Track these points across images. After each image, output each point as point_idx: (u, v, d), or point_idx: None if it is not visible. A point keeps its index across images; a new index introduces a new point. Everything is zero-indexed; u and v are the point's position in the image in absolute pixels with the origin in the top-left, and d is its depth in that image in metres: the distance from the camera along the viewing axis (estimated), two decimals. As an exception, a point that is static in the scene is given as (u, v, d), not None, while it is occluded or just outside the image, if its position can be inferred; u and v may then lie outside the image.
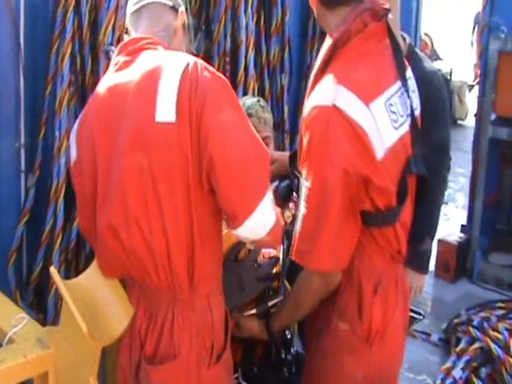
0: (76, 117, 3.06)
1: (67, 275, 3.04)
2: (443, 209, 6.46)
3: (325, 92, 1.94)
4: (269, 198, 1.92)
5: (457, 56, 12.42)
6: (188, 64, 1.88)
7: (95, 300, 1.99)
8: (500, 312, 4.24)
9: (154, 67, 1.89)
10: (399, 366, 2.30)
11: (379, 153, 1.91)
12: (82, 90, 3.11)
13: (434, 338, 4.20)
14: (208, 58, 3.64)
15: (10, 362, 1.83)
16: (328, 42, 2.05)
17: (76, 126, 2.11)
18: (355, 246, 2.00)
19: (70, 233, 3.06)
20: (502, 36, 4.82)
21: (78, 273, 3.07)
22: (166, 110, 1.83)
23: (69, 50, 3.03)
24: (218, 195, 1.87)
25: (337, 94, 1.91)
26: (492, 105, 4.96)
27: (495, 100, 4.95)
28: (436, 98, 2.88)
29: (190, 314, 1.96)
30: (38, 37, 3.07)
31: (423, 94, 2.76)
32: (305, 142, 1.95)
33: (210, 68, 1.93)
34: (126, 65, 1.98)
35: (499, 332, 3.81)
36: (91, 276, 2.08)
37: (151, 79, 1.87)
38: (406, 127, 2.06)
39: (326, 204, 1.90)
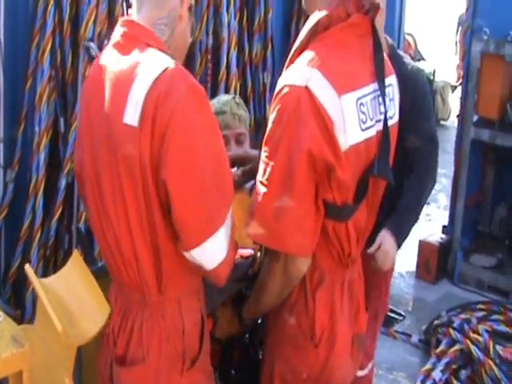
0: (56, 112, 3.06)
1: (45, 272, 3.02)
2: (425, 209, 6.51)
3: (299, 72, 1.89)
4: (223, 233, 1.86)
5: (440, 57, 12.46)
6: (165, 70, 1.79)
7: (71, 299, 1.96)
8: (480, 313, 4.24)
9: (135, 66, 1.82)
10: (349, 378, 2.24)
11: (342, 146, 1.88)
12: (62, 85, 3.08)
13: (414, 339, 4.19)
14: (189, 56, 3.61)
15: (-15, 360, 1.80)
16: (308, 24, 2.00)
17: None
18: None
19: (49, 229, 3.03)
20: (485, 38, 4.82)
21: (56, 269, 3.06)
22: (132, 113, 1.77)
23: (49, 45, 3.01)
24: (171, 212, 1.81)
25: (311, 76, 1.86)
26: (474, 106, 4.97)
27: (477, 101, 4.96)
28: (423, 93, 2.93)
29: (160, 319, 1.91)
30: (18, 31, 3.04)
31: (410, 90, 2.75)
32: (271, 118, 1.90)
33: (190, 79, 1.84)
34: (119, 47, 1.88)
35: (479, 334, 3.81)
36: (67, 274, 2.05)
37: (129, 78, 1.81)
38: (372, 132, 2.01)
39: (291, 183, 1.85)
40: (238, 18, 3.71)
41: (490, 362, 3.65)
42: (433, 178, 2.96)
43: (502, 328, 4.14)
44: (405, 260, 5.05)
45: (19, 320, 2.83)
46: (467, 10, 5.39)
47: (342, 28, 1.98)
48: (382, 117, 2.02)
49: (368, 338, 2.46)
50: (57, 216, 3.03)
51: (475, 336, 3.81)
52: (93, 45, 2.84)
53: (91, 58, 2.71)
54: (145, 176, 1.78)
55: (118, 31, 1.91)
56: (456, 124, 5.81)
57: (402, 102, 2.21)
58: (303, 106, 1.83)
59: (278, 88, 1.92)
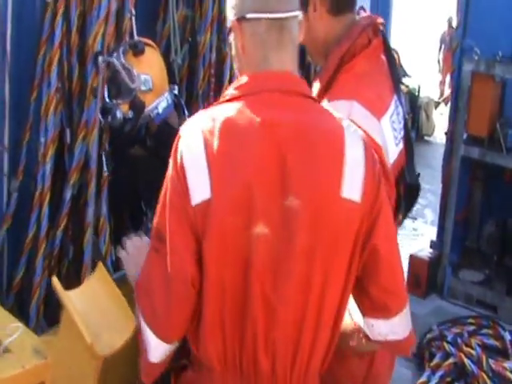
0: (62, 123, 3.07)
1: (49, 282, 3.02)
2: (412, 224, 6.59)
3: (338, 107, 1.91)
4: (408, 306, 1.86)
5: (423, 73, 12.62)
6: (365, 138, 1.75)
7: (96, 310, 1.98)
8: (471, 328, 4.31)
9: (333, 130, 1.72)
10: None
11: (388, 165, 1.95)
12: (69, 97, 3.09)
13: (407, 352, 4.25)
14: (192, 70, 3.65)
15: (8, 372, 1.80)
16: (334, 57, 2.07)
17: (204, 155, 1.67)
18: None
19: (54, 239, 3.04)
20: (475, 58, 4.91)
21: (60, 280, 3.07)
22: (352, 187, 1.68)
23: (57, 56, 3.01)
24: (375, 283, 1.76)
25: (351, 108, 1.93)
26: (464, 124, 5.06)
27: (467, 120, 5.05)
28: None
29: None
30: (24, 41, 3.04)
31: None
32: None
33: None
34: (277, 104, 1.72)
35: (472, 348, 3.88)
36: (92, 286, 2.07)
37: (333, 144, 1.70)
38: (401, 144, 2.12)
39: None
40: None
41: (484, 375, 3.73)
42: None
43: (492, 342, 4.23)
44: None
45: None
46: (457, 29, 5.49)
47: (365, 55, 2.07)
48: (402, 124, 2.11)
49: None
50: (62, 227, 3.04)
51: (468, 350, 3.89)
52: (114, 59, 2.88)
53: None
54: (352, 252, 1.74)
55: (271, 85, 1.74)
56: (439, 140, 5.91)
57: None
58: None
59: None
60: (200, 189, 1.64)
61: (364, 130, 1.87)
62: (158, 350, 1.74)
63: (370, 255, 1.74)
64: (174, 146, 1.72)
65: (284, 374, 1.75)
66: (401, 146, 2.13)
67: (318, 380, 1.84)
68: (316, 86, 2.12)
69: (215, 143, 1.64)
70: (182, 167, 1.66)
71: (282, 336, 1.72)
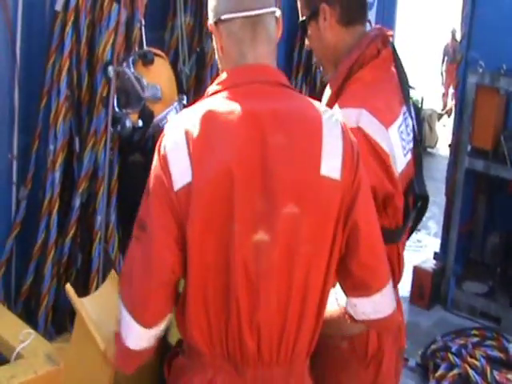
0: (71, 131, 3.09)
1: (57, 289, 3.03)
2: (416, 235, 6.59)
3: (347, 115, 1.95)
4: (391, 284, 1.89)
5: (426, 85, 12.65)
6: (339, 118, 1.82)
7: (109, 318, 1.98)
8: (475, 339, 4.32)
9: (311, 115, 1.78)
10: None
11: (396, 174, 1.97)
12: (78, 105, 3.11)
13: (412, 363, 4.25)
14: (200, 80, 3.67)
15: (21, 377, 1.82)
16: (343, 66, 2.12)
17: (184, 144, 1.72)
18: None
19: (63, 247, 3.05)
20: (480, 71, 4.93)
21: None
22: (331, 166, 1.73)
23: (67, 65, 3.03)
24: (355, 260, 1.80)
25: (360, 116, 1.96)
26: (468, 136, 5.07)
27: (472, 132, 5.06)
28: None
29: None
30: (34, 49, 3.06)
31: None
32: None
33: None
34: (258, 94, 1.78)
35: (477, 359, 3.89)
36: (105, 294, 2.08)
37: (311, 128, 1.76)
38: (409, 155, 2.14)
39: None
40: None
41: (488, 387, 3.73)
42: None
43: (496, 354, 4.23)
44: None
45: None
46: (461, 41, 5.51)
47: (375, 65, 2.10)
48: (411, 136, 2.14)
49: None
50: (71, 234, 3.05)
51: (473, 361, 3.89)
52: (126, 69, 2.90)
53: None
54: (335, 229, 1.77)
55: (251, 77, 1.79)
56: (442, 151, 5.91)
57: None
58: (360, 147, 1.87)
59: None
60: (182, 174, 1.69)
61: (372, 137, 1.93)
62: (140, 336, 1.77)
63: (351, 231, 1.78)
64: (158, 141, 1.77)
65: (270, 355, 1.78)
66: (409, 156, 2.15)
67: (305, 362, 1.87)
68: (326, 94, 2.17)
69: (195, 131, 1.70)
70: (165, 156, 1.71)
71: (267, 316, 1.75)
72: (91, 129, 3.08)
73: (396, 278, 2.12)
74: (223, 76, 1.82)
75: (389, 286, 1.87)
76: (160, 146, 1.75)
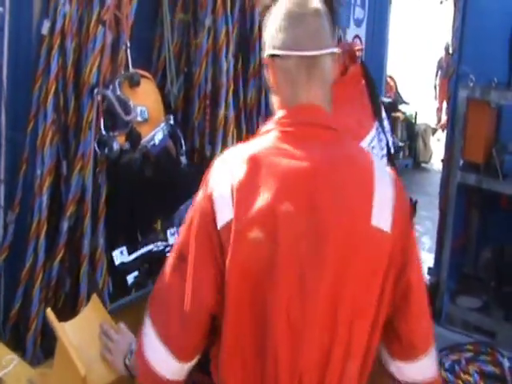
0: (58, 155, 3.09)
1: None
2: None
3: None
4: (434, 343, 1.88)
5: (420, 99, 12.68)
6: (390, 170, 1.82)
7: (91, 343, 1.99)
8: (469, 354, 4.28)
9: (362, 163, 1.77)
10: None
11: None
12: (65, 129, 3.12)
13: (406, 379, 4.23)
14: (188, 101, 3.68)
15: (4, 404, 1.81)
16: None
17: (229, 183, 1.72)
18: None
19: (51, 271, 3.04)
20: (471, 84, 4.95)
21: (55, 311, 3.06)
22: (382, 216, 1.70)
23: (53, 88, 3.04)
24: (405, 323, 1.78)
25: None
26: (460, 151, 5.08)
27: (463, 146, 5.07)
28: None
29: None
30: (20, 73, 3.07)
31: None
32: None
33: None
34: (308, 137, 1.77)
35: (470, 374, 3.87)
36: (87, 318, 2.09)
37: (363, 175, 1.75)
38: None
39: None
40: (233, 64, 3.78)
41: (482, 403, 3.70)
42: None
43: (490, 369, 4.19)
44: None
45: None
46: (452, 55, 5.54)
47: (343, 83, 2.10)
48: (385, 151, 2.14)
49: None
50: (59, 258, 3.04)
51: (466, 377, 3.87)
52: (109, 92, 2.91)
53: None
54: (383, 283, 1.74)
55: (301, 118, 1.79)
56: (436, 166, 5.93)
57: None
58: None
59: None
60: (225, 212, 1.68)
61: None
62: (173, 369, 1.78)
63: (403, 291, 1.75)
64: (205, 174, 1.79)
65: None
66: None
67: None
68: None
69: (242, 170, 1.70)
70: (211, 193, 1.72)
71: (308, 363, 1.71)
72: (78, 152, 3.08)
73: None
74: (278, 115, 1.82)
75: (433, 347, 1.86)
76: (206, 179, 1.76)
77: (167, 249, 2.46)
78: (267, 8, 1.94)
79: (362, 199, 1.70)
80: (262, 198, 1.66)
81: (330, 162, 1.71)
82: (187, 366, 1.78)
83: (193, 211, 1.76)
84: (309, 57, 1.78)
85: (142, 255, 2.50)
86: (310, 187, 1.68)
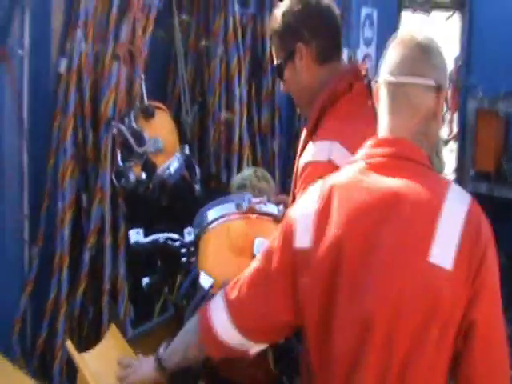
0: (78, 189, 3.19)
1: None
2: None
3: (319, 148, 2.00)
4: None
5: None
6: (470, 205, 1.68)
7: (110, 372, 2.04)
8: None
9: (431, 195, 1.68)
10: None
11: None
12: (84, 163, 3.22)
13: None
14: (203, 128, 3.77)
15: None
16: (317, 104, 2.13)
17: (313, 209, 1.77)
18: None
19: (75, 301, 3.14)
20: (479, 95, 5.01)
21: (81, 340, 3.17)
22: (442, 253, 1.61)
23: (71, 125, 3.14)
24: (466, 369, 1.66)
25: (331, 149, 1.98)
26: (471, 161, 5.13)
27: (474, 156, 5.12)
28: None
29: None
30: (40, 111, 3.17)
31: None
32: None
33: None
34: (384, 169, 1.73)
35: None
36: (106, 347, 2.14)
37: (428, 210, 1.67)
38: None
39: None
40: (247, 89, 3.88)
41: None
42: None
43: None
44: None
45: (47, 391, 2.93)
46: (461, 68, 5.60)
47: (347, 100, 2.12)
48: None
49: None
50: (81, 288, 3.14)
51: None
52: (120, 125, 3.00)
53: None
54: (444, 326, 1.64)
55: (382, 150, 1.74)
56: (449, 177, 5.93)
57: None
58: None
59: (300, 167, 2.04)
60: (303, 238, 1.74)
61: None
62: (242, 342, 1.86)
63: (466, 332, 1.64)
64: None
65: None
66: None
67: None
68: (303, 135, 2.19)
69: (323, 201, 1.74)
70: (293, 217, 1.79)
71: None
72: (97, 184, 3.18)
73: None
74: (366, 144, 1.81)
75: None
76: (304, 198, 1.83)
77: (183, 249, 2.49)
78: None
79: (422, 234, 1.64)
80: (334, 231, 1.68)
81: (398, 195, 1.68)
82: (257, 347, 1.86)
83: (281, 228, 1.83)
84: (395, 83, 1.74)
85: (157, 241, 2.53)
86: (375, 221, 1.66)
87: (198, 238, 2.44)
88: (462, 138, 5.40)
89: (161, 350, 2.06)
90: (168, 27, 3.67)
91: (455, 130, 12.14)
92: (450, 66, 13.06)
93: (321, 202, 1.74)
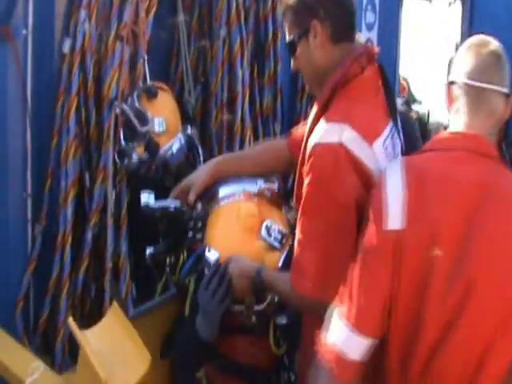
0: (81, 168, 3.20)
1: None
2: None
3: (329, 130, 2.00)
4: None
5: (432, 98, 12.63)
6: None
7: (112, 349, 2.03)
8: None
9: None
10: None
11: None
12: (87, 142, 3.24)
13: None
14: (205, 110, 3.78)
15: (31, 410, 1.89)
16: (328, 85, 2.14)
17: (405, 192, 1.84)
18: None
19: (77, 280, 3.15)
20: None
21: (83, 318, 3.18)
22: None
23: (75, 104, 3.15)
24: None
25: (342, 132, 1.98)
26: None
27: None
28: (415, 136, 3.09)
29: None
30: (44, 91, 3.18)
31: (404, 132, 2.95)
32: (308, 179, 2.01)
33: None
34: (466, 163, 1.87)
35: None
36: (107, 325, 2.14)
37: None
38: None
39: (344, 237, 1.99)
40: (249, 72, 3.87)
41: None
42: None
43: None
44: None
45: (49, 367, 2.94)
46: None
47: (359, 82, 2.13)
48: (399, 151, 2.19)
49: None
50: (84, 267, 3.15)
51: None
52: (124, 105, 3.01)
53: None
54: None
55: (462, 144, 1.90)
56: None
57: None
58: (342, 162, 1.95)
59: (310, 148, 2.03)
60: (394, 218, 1.82)
61: (354, 153, 1.97)
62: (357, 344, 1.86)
63: None
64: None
65: None
66: None
67: None
68: (312, 112, 2.19)
69: (413, 184, 1.84)
70: (384, 193, 1.86)
71: None
72: (100, 164, 3.20)
73: None
74: (440, 136, 1.99)
75: None
76: (380, 183, 1.89)
77: (191, 222, 2.49)
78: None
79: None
80: (430, 217, 1.80)
81: (489, 188, 1.82)
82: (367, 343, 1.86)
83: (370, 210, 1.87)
84: (477, 87, 1.92)
85: (168, 208, 2.54)
86: (467, 211, 1.79)
87: (207, 212, 2.46)
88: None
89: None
90: (171, 9, 3.67)
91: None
92: (452, 51, 13.09)
93: (411, 186, 1.84)
